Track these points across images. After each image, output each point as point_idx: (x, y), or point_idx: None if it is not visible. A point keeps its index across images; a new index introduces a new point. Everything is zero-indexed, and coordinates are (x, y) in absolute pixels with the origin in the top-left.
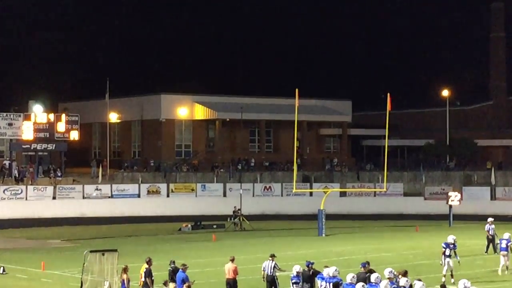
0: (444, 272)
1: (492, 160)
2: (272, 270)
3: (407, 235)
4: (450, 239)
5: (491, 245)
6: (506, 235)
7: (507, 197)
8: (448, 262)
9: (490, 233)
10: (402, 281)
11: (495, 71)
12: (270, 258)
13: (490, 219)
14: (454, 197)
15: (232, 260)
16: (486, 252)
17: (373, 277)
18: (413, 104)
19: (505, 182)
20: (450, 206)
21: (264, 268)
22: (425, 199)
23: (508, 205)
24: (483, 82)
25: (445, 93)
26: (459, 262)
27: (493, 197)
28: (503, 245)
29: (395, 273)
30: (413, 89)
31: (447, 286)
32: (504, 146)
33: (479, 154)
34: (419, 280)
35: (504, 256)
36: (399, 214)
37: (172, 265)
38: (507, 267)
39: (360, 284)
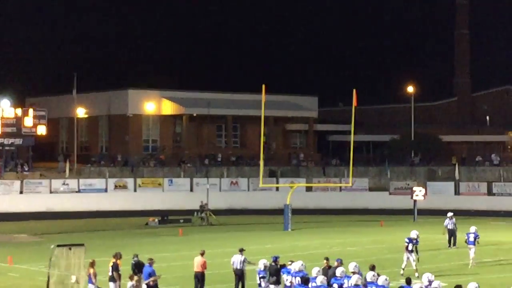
0: (403, 267)
1: (456, 155)
2: (241, 264)
3: (372, 229)
4: (413, 234)
5: (452, 238)
6: (472, 229)
7: (470, 192)
8: (409, 257)
9: (449, 227)
10: (369, 275)
11: (459, 67)
12: (239, 252)
13: (449, 214)
14: (419, 192)
15: (202, 254)
16: (449, 246)
17: (338, 271)
18: (379, 100)
19: (469, 177)
20: (415, 201)
21: (233, 262)
22: (390, 194)
23: (472, 199)
24: (447, 78)
25: (410, 89)
26: (418, 259)
27: (457, 192)
28: (471, 239)
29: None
30: (379, 85)
31: (411, 279)
32: (467, 142)
33: (443, 150)
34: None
35: (471, 249)
36: (364, 208)
37: (135, 259)
38: (472, 259)
39: (321, 277)
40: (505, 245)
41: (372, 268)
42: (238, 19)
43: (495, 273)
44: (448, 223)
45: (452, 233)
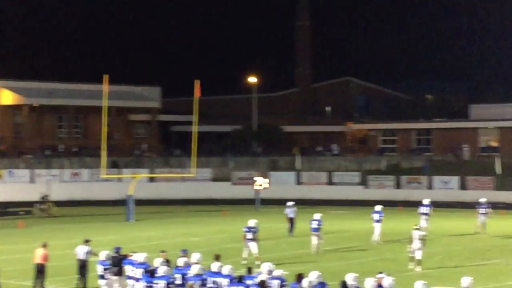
0: (244, 256)
1: (298, 145)
2: (85, 255)
3: (215, 219)
4: (252, 223)
5: (291, 227)
6: (317, 216)
7: (311, 181)
8: (249, 246)
9: (290, 216)
10: (215, 265)
11: (300, 58)
12: (84, 243)
13: (289, 203)
14: (261, 182)
15: (44, 246)
16: (291, 234)
17: (180, 262)
18: (221, 90)
19: (310, 167)
20: (257, 191)
21: (77, 253)
22: (233, 184)
23: (313, 189)
24: (289, 69)
25: (252, 80)
26: (257, 247)
27: (298, 181)
28: (314, 226)
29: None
30: (221, 75)
31: (253, 269)
32: (309, 132)
33: (285, 140)
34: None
35: (315, 236)
36: (207, 199)
37: None
38: (318, 247)
39: (164, 267)
40: (345, 233)
41: (217, 258)
42: (80, 7)
43: (334, 260)
44: (289, 211)
45: (292, 222)
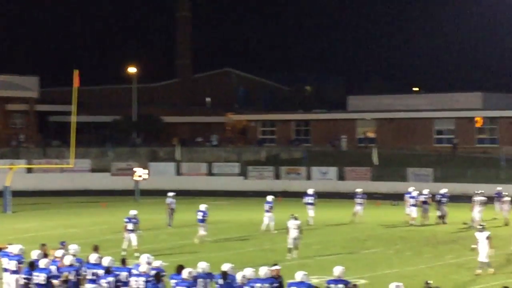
0: (124, 247)
1: (178, 136)
2: None
3: (94, 210)
4: (132, 213)
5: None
6: (202, 207)
7: (191, 172)
8: (130, 236)
9: (171, 206)
10: (93, 257)
11: (181, 49)
12: None
13: (170, 194)
14: (141, 173)
15: None
16: (170, 226)
17: (58, 253)
18: (101, 80)
19: (190, 158)
20: (137, 182)
21: None
22: (112, 175)
23: (193, 180)
24: (169, 59)
25: (132, 70)
26: (141, 235)
27: (178, 172)
28: (200, 217)
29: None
30: (101, 65)
31: (127, 260)
32: (189, 123)
33: (165, 131)
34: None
35: (201, 227)
36: (86, 190)
37: None
38: (201, 238)
39: (45, 260)
40: (224, 224)
41: (95, 249)
42: None
43: (214, 251)
44: (171, 202)
45: (171, 213)
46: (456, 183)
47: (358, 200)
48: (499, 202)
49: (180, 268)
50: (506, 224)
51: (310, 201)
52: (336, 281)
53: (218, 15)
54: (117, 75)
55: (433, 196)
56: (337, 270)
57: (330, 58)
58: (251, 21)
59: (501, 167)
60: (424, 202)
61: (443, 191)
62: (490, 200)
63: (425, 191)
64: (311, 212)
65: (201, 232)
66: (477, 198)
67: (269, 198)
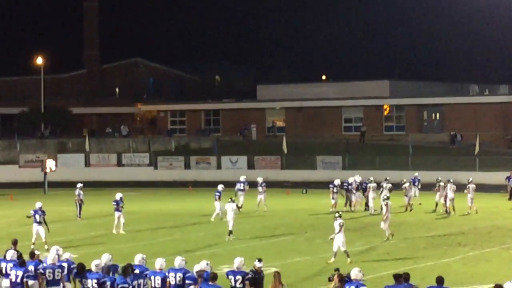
0: (33, 240)
1: (87, 127)
2: None
3: (1, 203)
4: (37, 205)
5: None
6: (118, 196)
7: (100, 163)
8: (38, 229)
9: (80, 198)
10: (9, 253)
11: (88, 40)
12: None
13: (79, 185)
14: (49, 165)
15: None
16: (79, 217)
17: None
18: (8, 71)
19: (99, 149)
20: (45, 174)
21: None
22: (20, 167)
23: (102, 171)
24: (77, 50)
25: (39, 60)
26: (48, 230)
27: (87, 163)
28: (116, 206)
29: None
30: (7, 56)
31: (36, 252)
32: (97, 114)
33: (74, 122)
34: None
35: (119, 217)
36: None
37: None
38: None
39: None
40: (135, 215)
41: (15, 243)
42: None
43: (124, 242)
44: (79, 193)
45: (80, 204)
46: (365, 171)
47: (260, 189)
48: (415, 187)
49: (80, 266)
50: (410, 210)
51: (241, 188)
52: (235, 272)
53: (126, 4)
54: (25, 66)
55: (360, 184)
56: (237, 261)
57: (240, 47)
58: (160, 11)
59: (409, 154)
60: (348, 190)
61: (351, 179)
62: (398, 186)
63: (351, 179)
64: (241, 198)
65: (122, 220)
66: (386, 185)
67: (220, 187)
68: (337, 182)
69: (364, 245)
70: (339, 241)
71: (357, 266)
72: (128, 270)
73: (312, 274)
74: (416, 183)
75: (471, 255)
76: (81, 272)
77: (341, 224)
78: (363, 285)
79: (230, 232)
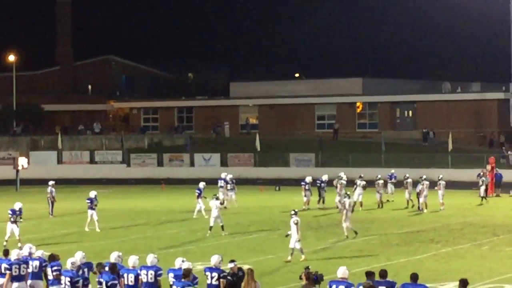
0: (6, 238)
1: (59, 124)
2: None
3: None
4: (17, 206)
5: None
6: (92, 194)
7: (73, 160)
8: (12, 227)
9: (52, 195)
10: None
11: (61, 36)
12: None
13: (50, 182)
14: (21, 162)
15: None
16: (52, 215)
17: None
18: None
19: (71, 146)
20: (17, 171)
21: None
22: None
23: (75, 168)
24: (49, 47)
25: (11, 57)
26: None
27: (60, 161)
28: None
29: None
30: None
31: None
32: (70, 111)
33: (46, 119)
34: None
35: (91, 215)
36: None
37: None
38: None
39: None
40: (107, 212)
41: None
42: None
43: (97, 240)
44: (51, 190)
45: (52, 202)
46: (337, 168)
47: (228, 186)
48: (391, 184)
49: (51, 257)
50: (381, 207)
51: (221, 185)
52: (212, 269)
53: (99, 1)
54: None
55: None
56: (214, 259)
57: (213, 45)
58: (133, 8)
59: (382, 151)
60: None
61: (325, 177)
62: (371, 184)
63: (325, 177)
64: (221, 195)
65: (94, 217)
66: (360, 182)
67: (200, 185)
68: (308, 179)
69: (337, 242)
70: (294, 238)
71: (331, 263)
72: (115, 267)
73: (286, 271)
74: (392, 180)
75: (444, 251)
76: (50, 260)
77: (295, 222)
78: (352, 284)
79: (211, 228)
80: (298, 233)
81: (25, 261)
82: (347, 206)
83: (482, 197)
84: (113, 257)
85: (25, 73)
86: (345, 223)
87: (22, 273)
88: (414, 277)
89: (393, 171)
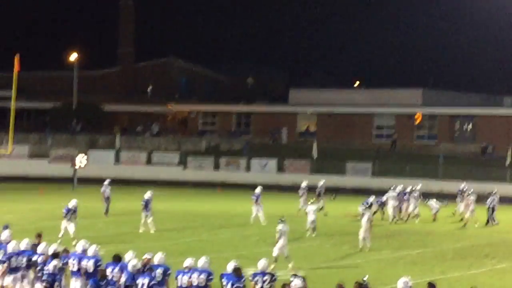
0: (60, 235)
1: (118, 125)
2: None
3: (31, 197)
4: (72, 203)
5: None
6: (147, 195)
7: (130, 161)
8: (67, 225)
9: (106, 195)
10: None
11: (123, 37)
12: None
13: (106, 182)
14: (79, 160)
15: None
16: (106, 215)
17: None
18: (42, 66)
19: (129, 146)
20: (75, 169)
21: None
22: (50, 162)
23: (132, 168)
24: (111, 47)
25: (74, 56)
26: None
27: (117, 160)
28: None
29: None
30: (43, 51)
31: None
32: (129, 112)
33: (105, 119)
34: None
35: (146, 216)
36: (24, 176)
37: None
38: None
39: None
40: (163, 214)
41: (38, 236)
42: None
43: (151, 241)
44: (105, 190)
45: (108, 201)
46: (394, 178)
47: (301, 192)
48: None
49: (117, 258)
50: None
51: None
52: (262, 274)
53: (162, 3)
54: (59, 61)
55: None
56: (261, 264)
57: (274, 50)
58: (195, 11)
59: (439, 163)
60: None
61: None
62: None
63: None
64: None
65: (145, 219)
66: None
67: (258, 189)
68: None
69: (391, 253)
70: (279, 246)
71: (384, 275)
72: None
73: (337, 279)
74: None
75: (499, 267)
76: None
77: (278, 230)
78: None
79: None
80: (283, 241)
81: (20, 253)
82: (368, 219)
83: None
84: (156, 259)
85: (87, 72)
86: (364, 233)
87: (18, 265)
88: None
89: (463, 185)
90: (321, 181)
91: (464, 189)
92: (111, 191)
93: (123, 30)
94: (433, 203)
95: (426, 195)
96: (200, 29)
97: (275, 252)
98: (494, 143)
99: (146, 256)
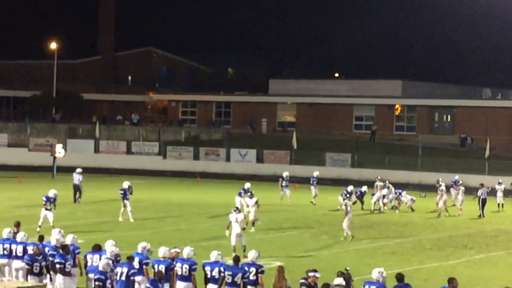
0: (39, 224)
1: (98, 113)
2: None
3: (9, 186)
4: (51, 193)
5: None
6: (125, 184)
7: (110, 150)
8: (46, 214)
9: (76, 183)
10: (5, 232)
11: (103, 26)
12: None
13: (78, 170)
14: (59, 149)
15: None
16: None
17: None
18: (21, 55)
19: (109, 135)
20: (54, 158)
21: None
22: (30, 150)
23: (111, 158)
24: (91, 36)
25: (53, 45)
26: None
27: (97, 150)
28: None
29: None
30: (21, 39)
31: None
32: (109, 101)
33: (85, 108)
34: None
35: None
36: (2, 165)
37: None
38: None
39: None
40: (142, 203)
41: (17, 225)
42: None
43: (130, 230)
44: (77, 178)
45: (79, 189)
46: (373, 169)
47: (284, 183)
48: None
49: (96, 247)
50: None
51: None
52: (249, 265)
53: None
54: (38, 50)
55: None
56: (251, 255)
57: (254, 41)
58: (176, 0)
59: (418, 155)
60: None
61: (316, 174)
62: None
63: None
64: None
65: (129, 208)
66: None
67: (285, 174)
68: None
69: (370, 243)
70: (234, 234)
71: (363, 264)
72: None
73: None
74: (457, 185)
75: (477, 258)
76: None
77: (236, 219)
78: (384, 286)
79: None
80: (239, 228)
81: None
82: (349, 209)
83: None
84: (140, 248)
85: (66, 61)
86: (345, 223)
87: (5, 252)
88: (400, 278)
89: (457, 177)
90: (315, 172)
91: (459, 182)
92: (83, 179)
93: (104, 19)
94: (404, 196)
95: (404, 186)
96: (180, 19)
97: (232, 241)
98: (473, 135)
99: (176, 250)
